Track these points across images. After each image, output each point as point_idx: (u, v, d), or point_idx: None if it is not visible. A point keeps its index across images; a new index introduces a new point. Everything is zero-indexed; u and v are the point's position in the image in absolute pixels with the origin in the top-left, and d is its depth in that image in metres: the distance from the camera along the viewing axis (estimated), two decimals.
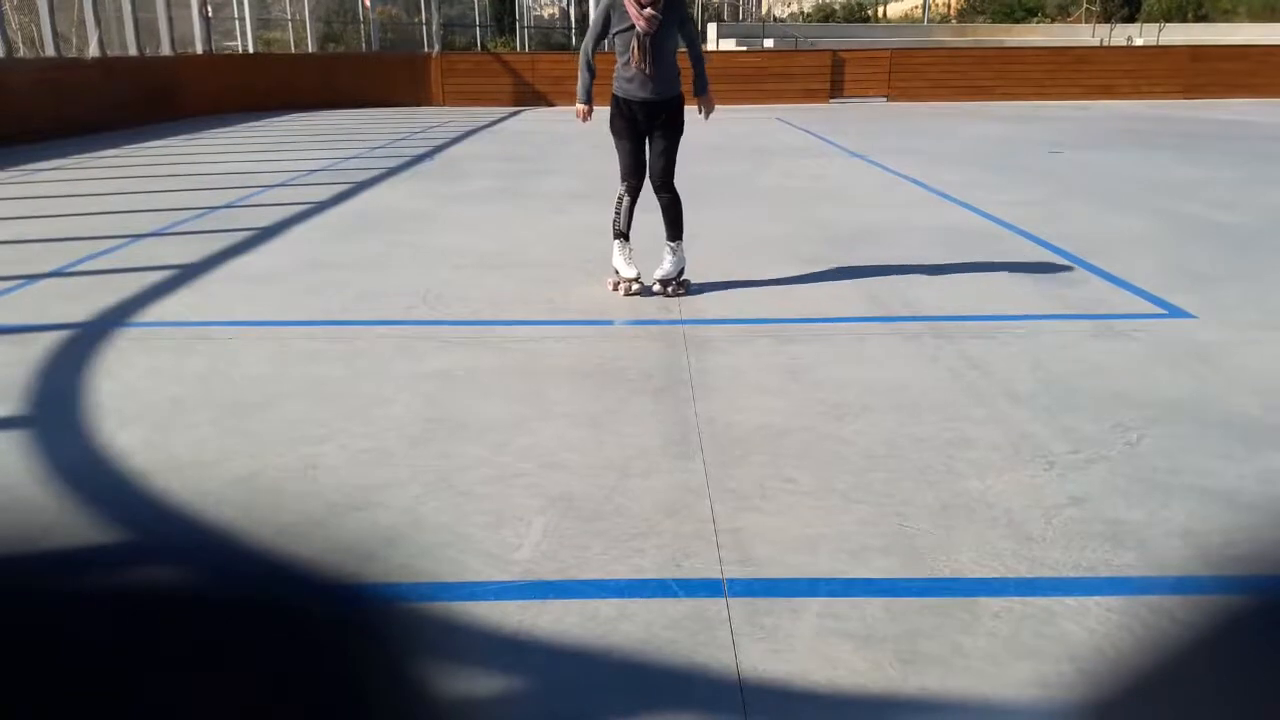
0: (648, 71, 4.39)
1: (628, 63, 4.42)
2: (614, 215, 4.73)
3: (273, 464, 2.87)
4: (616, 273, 4.74)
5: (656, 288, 4.68)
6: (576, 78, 4.71)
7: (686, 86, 4.65)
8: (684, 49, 4.67)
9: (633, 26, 4.35)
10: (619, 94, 4.52)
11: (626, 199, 4.68)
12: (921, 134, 13.28)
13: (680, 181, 4.74)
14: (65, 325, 4.28)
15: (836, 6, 39.88)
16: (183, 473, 2.77)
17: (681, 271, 4.74)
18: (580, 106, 4.68)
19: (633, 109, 4.50)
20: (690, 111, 4.67)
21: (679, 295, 4.67)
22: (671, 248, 4.70)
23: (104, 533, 2.46)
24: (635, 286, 4.68)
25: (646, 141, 4.60)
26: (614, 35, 4.44)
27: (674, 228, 4.71)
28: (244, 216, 7.01)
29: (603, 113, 4.64)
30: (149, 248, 6.01)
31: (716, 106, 4.83)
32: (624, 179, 4.66)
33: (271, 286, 4.99)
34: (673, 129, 4.58)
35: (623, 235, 4.71)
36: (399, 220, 6.87)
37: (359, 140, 12.93)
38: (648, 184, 4.69)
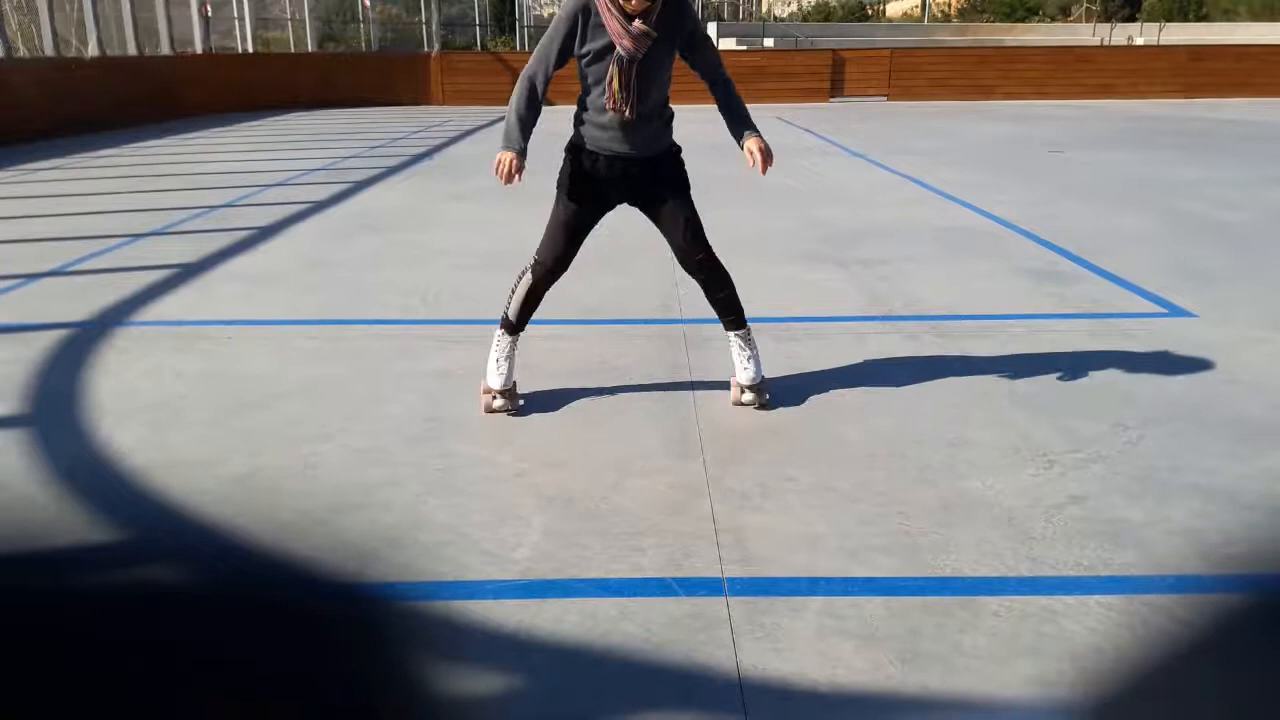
0: (627, 114, 2.95)
1: (600, 97, 2.98)
2: (509, 295, 3.30)
3: (272, 463, 2.86)
4: (498, 391, 3.26)
5: (748, 396, 3.28)
6: (510, 111, 3.00)
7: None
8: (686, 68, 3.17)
9: (612, 47, 2.90)
10: (582, 143, 3.09)
11: (528, 279, 3.25)
12: (921, 133, 13.27)
13: None
14: (64, 324, 4.28)
15: (834, 5, 39.88)
16: (182, 471, 2.77)
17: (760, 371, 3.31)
18: (505, 156, 2.91)
19: (599, 166, 3.09)
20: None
21: (767, 407, 3.28)
22: (741, 338, 3.29)
23: (103, 532, 2.45)
24: (499, 402, 3.25)
25: (599, 218, 3.25)
26: (584, 57, 2.98)
27: (734, 308, 3.29)
28: (243, 216, 7.01)
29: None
30: (148, 247, 6.01)
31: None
32: (538, 256, 3.23)
33: (271, 286, 4.99)
34: (679, 191, 3.15)
35: (513, 326, 3.30)
36: (398, 219, 6.87)
37: (358, 139, 12.93)
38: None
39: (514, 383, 3.31)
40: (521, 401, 3.33)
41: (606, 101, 2.96)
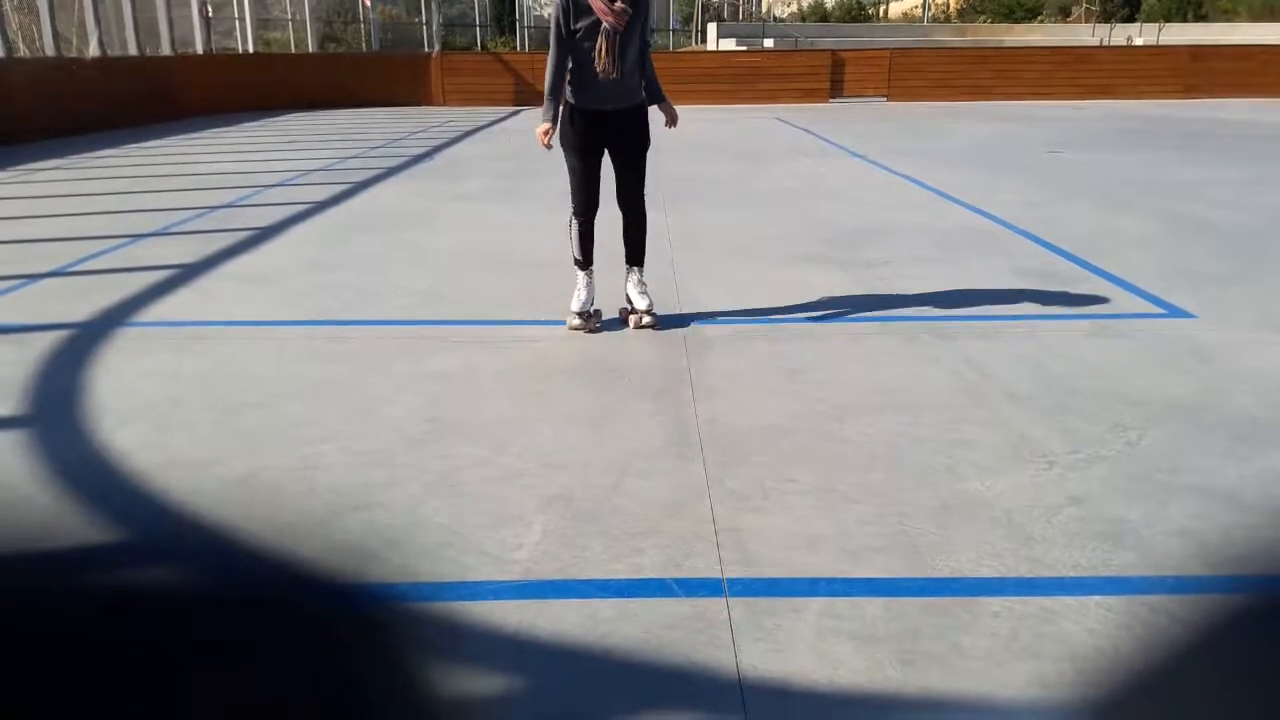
0: (615, 74, 3.85)
1: (590, 65, 3.85)
2: (569, 241, 4.22)
3: (272, 464, 2.86)
4: (574, 314, 4.17)
5: (648, 320, 4.15)
6: (544, 95, 4.02)
7: None
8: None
9: (598, 24, 3.80)
10: (575, 104, 3.96)
11: (577, 224, 4.16)
12: (921, 134, 13.27)
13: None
14: (65, 325, 4.28)
15: (831, 6, 39.87)
16: (182, 472, 2.77)
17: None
18: (540, 128, 3.96)
19: (589, 120, 3.96)
20: (656, 121, 4.20)
21: (659, 328, 4.14)
22: (639, 274, 4.24)
23: (103, 532, 2.45)
24: (576, 322, 4.15)
25: (602, 161, 4.07)
26: (575, 36, 3.86)
27: (640, 251, 4.23)
28: (243, 216, 7.01)
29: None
30: (149, 247, 6.01)
31: (679, 113, 4.26)
32: (573, 205, 4.12)
33: (271, 286, 4.99)
34: (640, 141, 4.06)
35: (584, 264, 4.20)
36: (399, 220, 6.87)
37: (359, 140, 12.93)
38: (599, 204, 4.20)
39: (593, 310, 4.19)
40: (598, 325, 4.18)
41: (596, 65, 3.84)
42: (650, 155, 4.20)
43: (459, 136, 13.48)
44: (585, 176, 4.04)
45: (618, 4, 3.77)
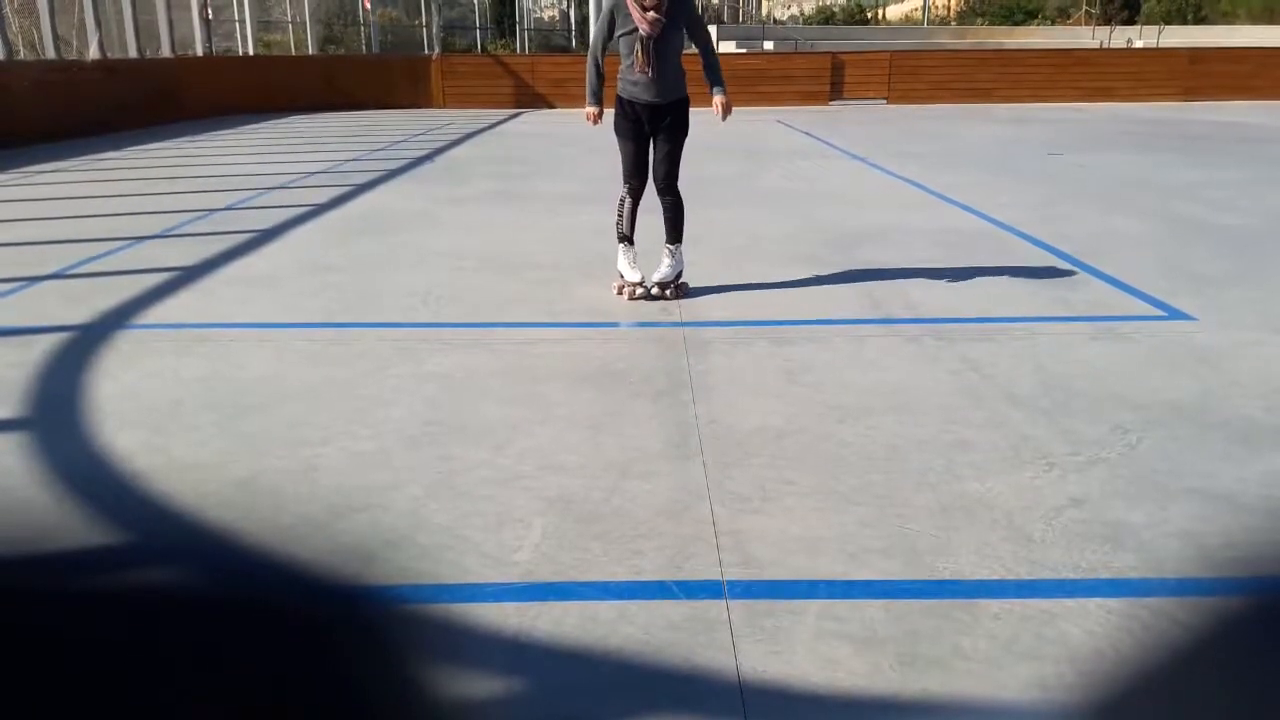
0: (650, 75, 4.39)
1: (631, 65, 4.42)
2: (617, 219, 4.76)
3: (273, 466, 2.86)
4: (621, 276, 4.76)
5: (655, 290, 4.67)
6: (584, 81, 4.71)
7: (692, 89, 4.62)
8: (690, 50, 4.62)
9: (636, 29, 4.34)
10: (624, 95, 4.53)
11: (629, 201, 4.69)
12: (921, 136, 13.28)
13: (681, 183, 4.74)
14: (66, 327, 4.28)
15: (836, 9, 39.94)
16: (183, 475, 2.77)
17: (680, 274, 4.74)
18: (589, 110, 4.68)
19: (637, 111, 4.51)
20: (695, 114, 4.69)
21: (677, 299, 4.67)
22: (670, 250, 4.70)
23: (104, 535, 2.45)
24: (640, 291, 4.68)
25: (650, 143, 4.60)
26: (618, 38, 4.44)
27: (675, 230, 4.72)
28: (244, 219, 7.01)
29: (610, 114, 4.67)
30: (149, 250, 6.01)
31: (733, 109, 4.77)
32: (626, 180, 4.66)
33: (272, 289, 5.00)
34: (677, 132, 4.57)
35: (626, 239, 4.73)
36: (399, 222, 6.88)
37: (359, 142, 12.94)
38: (649, 187, 4.71)
39: (643, 274, 4.68)
40: (647, 290, 4.68)
41: (636, 65, 4.40)
42: None
43: (459, 139, 13.49)
44: (635, 158, 4.61)
45: (650, 14, 4.31)
